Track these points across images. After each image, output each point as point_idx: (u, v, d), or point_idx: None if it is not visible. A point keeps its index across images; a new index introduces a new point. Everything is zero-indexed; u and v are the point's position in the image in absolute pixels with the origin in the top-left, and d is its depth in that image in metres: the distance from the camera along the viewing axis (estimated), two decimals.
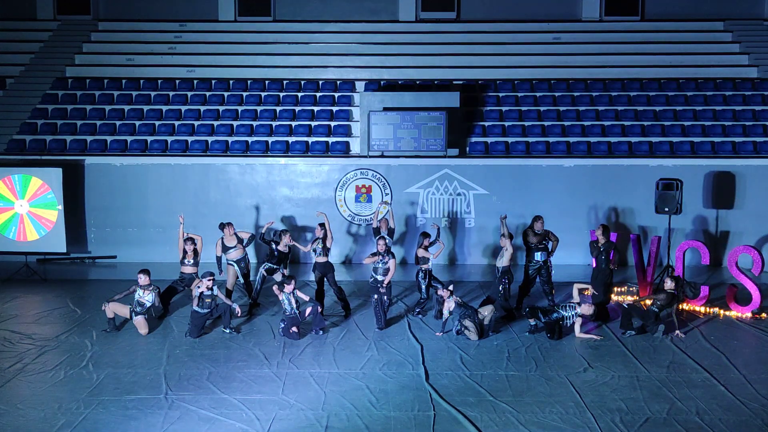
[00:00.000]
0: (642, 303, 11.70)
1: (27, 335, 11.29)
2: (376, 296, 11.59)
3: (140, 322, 11.34)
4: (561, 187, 16.77)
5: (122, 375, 9.62)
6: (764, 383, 9.45)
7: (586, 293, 12.34)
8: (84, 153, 17.41)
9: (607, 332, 11.52)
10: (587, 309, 11.27)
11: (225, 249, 12.61)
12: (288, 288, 11.24)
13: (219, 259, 12.62)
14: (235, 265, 12.72)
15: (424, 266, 12.28)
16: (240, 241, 12.74)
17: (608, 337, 11.27)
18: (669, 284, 11.41)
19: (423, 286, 12.28)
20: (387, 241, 12.22)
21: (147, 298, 11.40)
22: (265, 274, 12.44)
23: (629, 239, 14.62)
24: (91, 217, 16.97)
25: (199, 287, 11.28)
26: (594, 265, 12.54)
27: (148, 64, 19.99)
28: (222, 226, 12.74)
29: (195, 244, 12.23)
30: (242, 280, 12.94)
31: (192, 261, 12.23)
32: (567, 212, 16.62)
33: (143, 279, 11.42)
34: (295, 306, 11.24)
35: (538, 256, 12.46)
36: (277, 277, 12.36)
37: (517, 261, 14.97)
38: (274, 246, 12.56)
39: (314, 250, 12.43)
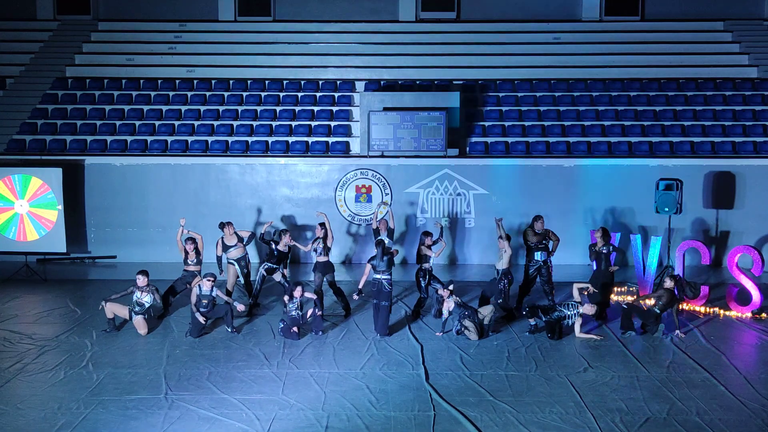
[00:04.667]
0: (642, 302, 11.71)
1: (27, 335, 11.29)
2: (375, 300, 11.47)
3: (139, 322, 11.34)
4: (561, 187, 16.78)
5: (122, 375, 9.62)
6: (764, 383, 9.45)
7: (585, 293, 12.30)
8: (84, 153, 17.41)
9: (607, 332, 11.52)
10: (589, 309, 11.27)
11: (225, 248, 12.63)
12: (297, 293, 11.23)
13: (219, 259, 12.64)
14: (235, 264, 12.73)
15: (425, 265, 12.27)
16: (240, 239, 12.75)
17: (608, 337, 11.28)
18: (668, 283, 11.40)
19: (423, 285, 12.29)
20: (386, 242, 12.18)
21: (146, 299, 11.41)
22: (265, 274, 12.44)
23: (629, 239, 14.62)
24: (91, 217, 16.97)
25: (200, 286, 11.28)
26: (594, 267, 12.51)
27: (148, 64, 19.99)
28: (222, 226, 12.75)
29: (196, 243, 12.25)
30: (242, 280, 12.94)
31: (195, 260, 12.26)
32: (567, 212, 16.63)
33: (141, 280, 11.42)
34: (298, 308, 11.24)
35: (538, 255, 12.46)
36: (277, 276, 12.37)
37: (518, 261, 14.97)
38: (273, 245, 12.55)
39: (315, 250, 12.43)
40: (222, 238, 12.67)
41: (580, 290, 11.63)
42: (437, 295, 11.97)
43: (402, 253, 16.77)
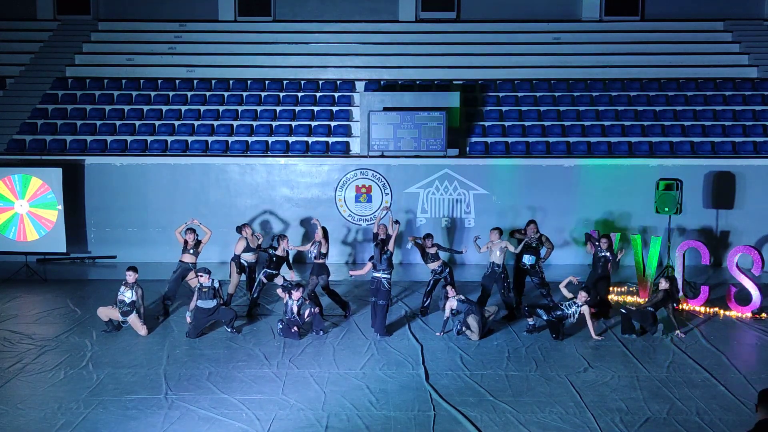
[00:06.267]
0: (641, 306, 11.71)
1: (27, 335, 11.30)
2: (374, 299, 11.46)
3: (136, 323, 11.31)
4: (561, 187, 16.77)
5: (122, 375, 9.63)
6: (764, 383, 9.42)
7: (578, 285, 12.14)
8: (84, 153, 17.42)
9: (607, 332, 11.52)
10: (583, 296, 11.20)
11: (248, 249, 12.66)
12: (296, 295, 11.23)
13: (238, 257, 12.65)
14: (246, 266, 12.77)
15: (432, 265, 12.27)
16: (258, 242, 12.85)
17: (608, 337, 11.28)
18: (663, 284, 11.42)
19: (428, 288, 12.37)
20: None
21: (126, 294, 11.32)
22: (265, 280, 12.41)
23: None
24: (91, 217, 16.97)
25: (200, 283, 11.28)
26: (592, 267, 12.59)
27: (148, 64, 19.99)
28: (240, 229, 12.79)
29: (196, 234, 12.25)
30: (245, 278, 12.97)
31: (192, 250, 12.23)
32: (567, 212, 16.64)
33: (131, 276, 11.37)
34: (296, 311, 11.24)
35: (525, 258, 12.40)
36: (279, 280, 12.35)
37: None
38: (271, 251, 12.51)
39: (310, 252, 12.42)
40: (246, 239, 12.67)
41: (567, 286, 11.54)
42: (443, 290, 11.87)
43: (400, 254, 16.77)
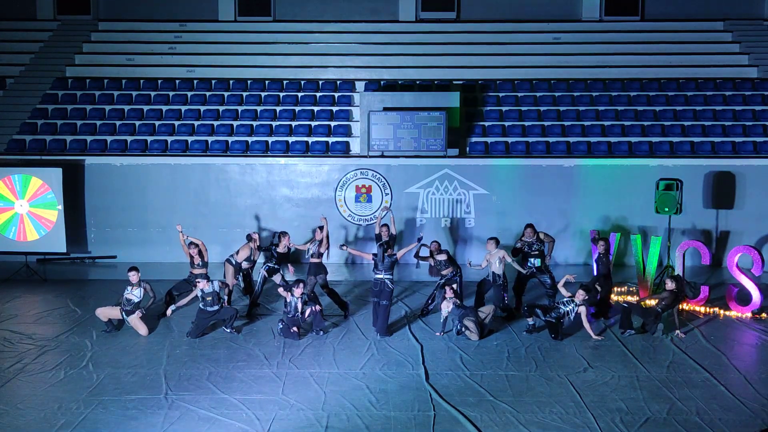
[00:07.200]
0: (644, 303, 11.71)
1: (27, 335, 11.29)
2: (376, 299, 11.45)
3: (136, 322, 11.30)
4: (561, 187, 16.77)
5: (122, 375, 9.62)
6: (764, 383, 9.45)
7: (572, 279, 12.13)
8: (84, 153, 17.42)
9: (607, 332, 11.52)
10: (581, 295, 11.20)
11: (248, 258, 12.63)
12: (297, 292, 11.23)
13: (239, 265, 12.62)
14: (241, 271, 12.76)
15: (446, 270, 12.20)
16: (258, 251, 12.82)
17: (608, 337, 11.28)
18: (670, 285, 11.41)
19: (435, 292, 12.33)
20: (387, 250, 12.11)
21: (135, 293, 11.35)
22: (266, 275, 12.42)
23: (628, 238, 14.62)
24: (91, 217, 16.97)
25: (201, 290, 11.26)
26: (594, 270, 12.63)
27: (148, 64, 20.00)
28: (250, 237, 12.72)
29: (199, 247, 12.25)
30: (242, 284, 12.94)
31: (201, 263, 12.22)
32: (567, 212, 16.64)
33: (134, 276, 11.38)
34: (300, 308, 11.23)
35: (531, 261, 12.37)
36: (277, 278, 12.35)
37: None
38: (273, 248, 12.53)
39: (308, 250, 12.42)
40: (251, 249, 12.62)
41: (565, 285, 11.53)
42: (441, 290, 11.86)
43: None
